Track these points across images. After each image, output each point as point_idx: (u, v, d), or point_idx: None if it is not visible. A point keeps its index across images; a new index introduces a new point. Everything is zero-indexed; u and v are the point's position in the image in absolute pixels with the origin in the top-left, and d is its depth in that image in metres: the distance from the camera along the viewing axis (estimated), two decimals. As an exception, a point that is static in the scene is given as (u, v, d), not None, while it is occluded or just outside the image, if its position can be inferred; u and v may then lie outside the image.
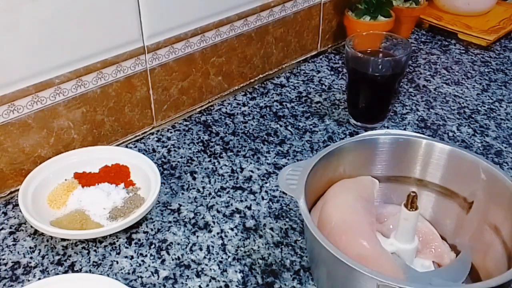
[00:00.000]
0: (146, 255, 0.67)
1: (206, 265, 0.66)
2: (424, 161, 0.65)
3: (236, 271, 0.65)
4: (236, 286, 0.63)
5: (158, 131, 0.90)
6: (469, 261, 0.59)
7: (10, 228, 0.71)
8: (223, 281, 0.64)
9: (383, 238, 0.61)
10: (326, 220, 0.59)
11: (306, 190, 0.57)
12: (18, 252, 0.68)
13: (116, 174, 0.76)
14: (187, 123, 0.92)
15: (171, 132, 0.89)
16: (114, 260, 0.67)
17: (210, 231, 0.71)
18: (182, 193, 0.77)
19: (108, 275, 0.64)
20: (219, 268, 0.65)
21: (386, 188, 0.67)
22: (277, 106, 0.96)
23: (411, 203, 0.56)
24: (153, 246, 0.69)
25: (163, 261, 0.66)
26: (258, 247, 0.68)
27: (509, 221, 0.57)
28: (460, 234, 0.63)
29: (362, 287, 0.49)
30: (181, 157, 0.84)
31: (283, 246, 0.68)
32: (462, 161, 0.62)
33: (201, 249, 0.68)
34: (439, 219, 0.66)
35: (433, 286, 0.54)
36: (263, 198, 0.76)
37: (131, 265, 0.66)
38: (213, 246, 0.68)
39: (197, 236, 0.70)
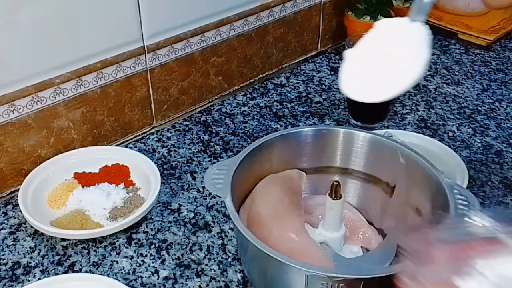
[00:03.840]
0: (146, 255, 0.67)
1: (206, 265, 0.66)
2: (346, 150, 0.66)
3: (236, 271, 0.65)
4: (236, 286, 0.63)
5: (158, 131, 0.90)
6: (394, 244, 0.61)
7: (10, 228, 0.71)
8: (223, 281, 0.64)
9: (312, 229, 0.62)
10: (255, 216, 0.59)
11: (233, 188, 0.57)
12: (18, 252, 0.68)
13: (116, 174, 0.76)
14: (187, 123, 0.92)
15: (171, 132, 0.89)
16: (114, 260, 0.67)
17: (210, 231, 0.71)
18: (182, 193, 0.77)
19: (108, 275, 0.64)
20: (219, 268, 0.66)
21: (314, 180, 0.68)
22: (277, 106, 0.96)
23: (335, 192, 0.57)
24: (153, 246, 0.69)
25: (163, 261, 0.66)
26: (258, 247, 0.68)
27: (429, 202, 0.59)
28: (385, 218, 0.66)
29: (291, 279, 0.50)
30: (181, 157, 0.84)
31: (283, 246, 0.68)
32: (382, 148, 0.64)
33: (201, 249, 0.68)
34: (365, 205, 0.68)
35: (361, 270, 0.54)
36: (263, 198, 0.76)
37: (131, 265, 0.66)
38: (213, 246, 0.68)
39: (197, 236, 0.70)
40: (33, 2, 0.68)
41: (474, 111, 0.95)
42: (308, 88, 1.02)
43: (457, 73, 1.07)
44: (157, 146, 0.86)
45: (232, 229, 0.71)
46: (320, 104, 0.97)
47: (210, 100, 0.96)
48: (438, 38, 1.20)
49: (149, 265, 0.66)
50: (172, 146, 0.86)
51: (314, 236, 0.60)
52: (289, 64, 1.08)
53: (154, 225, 0.72)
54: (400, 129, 0.89)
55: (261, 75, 1.03)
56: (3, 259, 0.67)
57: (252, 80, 1.02)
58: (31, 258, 0.67)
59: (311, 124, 0.91)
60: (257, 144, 0.63)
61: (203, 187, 0.78)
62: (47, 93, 0.74)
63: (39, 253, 0.68)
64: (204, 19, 0.88)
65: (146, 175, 0.75)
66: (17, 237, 0.70)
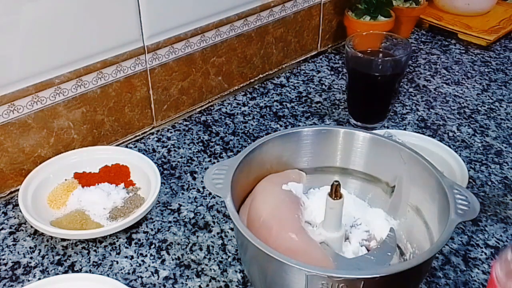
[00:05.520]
0: (146, 255, 0.67)
1: (206, 265, 0.66)
2: (346, 150, 0.66)
3: (236, 271, 0.65)
4: (236, 286, 0.63)
5: (158, 131, 0.90)
6: (394, 243, 0.62)
7: (10, 228, 0.71)
8: (223, 281, 0.64)
9: (312, 229, 0.62)
10: (255, 216, 0.59)
11: (233, 188, 0.57)
12: (18, 252, 0.68)
13: (116, 174, 0.77)
14: (187, 123, 0.92)
15: (171, 132, 0.89)
16: (114, 260, 0.67)
17: (210, 231, 0.71)
18: (182, 193, 0.77)
19: (108, 275, 0.64)
20: (219, 268, 0.66)
21: (314, 179, 0.68)
22: (277, 106, 0.96)
23: (335, 192, 0.57)
24: (153, 246, 0.69)
25: (163, 261, 0.66)
26: (258, 247, 0.68)
27: (428, 201, 0.60)
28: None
29: (291, 279, 0.50)
30: (181, 157, 0.84)
31: (283, 246, 0.68)
32: (382, 147, 0.64)
33: (201, 249, 0.68)
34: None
35: (361, 270, 0.54)
36: (263, 198, 0.76)
37: (131, 265, 0.66)
38: (213, 246, 0.68)
39: (197, 236, 0.70)
40: (33, 2, 0.68)
41: (474, 111, 0.95)
42: (308, 88, 1.02)
43: (457, 73, 1.07)
44: (157, 146, 0.86)
45: (232, 229, 0.71)
46: (320, 104, 0.97)
47: (210, 100, 0.96)
48: (438, 38, 1.20)
49: (149, 265, 0.66)
50: (172, 146, 0.86)
51: (314, 236, 0.60)
52: (289, 64, 1.08)
53: (154, 225, 0.72)
54: (400, 129, 0.89)
55: (261, 75, 1.03)
56: (3, 259, 0.67)
57: (252, 80, 1.02)
58: (31, 258, 0.67)
59: (311, 124, 0.91)
60: (257, 144, 0.63)
61: (203, 187, 0.78)
62: (47, 93, 0.74)
63: (39, 253, 0.68)
64: (204, 19, 0.88)
65: (146, 175, 0.75)
66: (17, 237, 0.70)
